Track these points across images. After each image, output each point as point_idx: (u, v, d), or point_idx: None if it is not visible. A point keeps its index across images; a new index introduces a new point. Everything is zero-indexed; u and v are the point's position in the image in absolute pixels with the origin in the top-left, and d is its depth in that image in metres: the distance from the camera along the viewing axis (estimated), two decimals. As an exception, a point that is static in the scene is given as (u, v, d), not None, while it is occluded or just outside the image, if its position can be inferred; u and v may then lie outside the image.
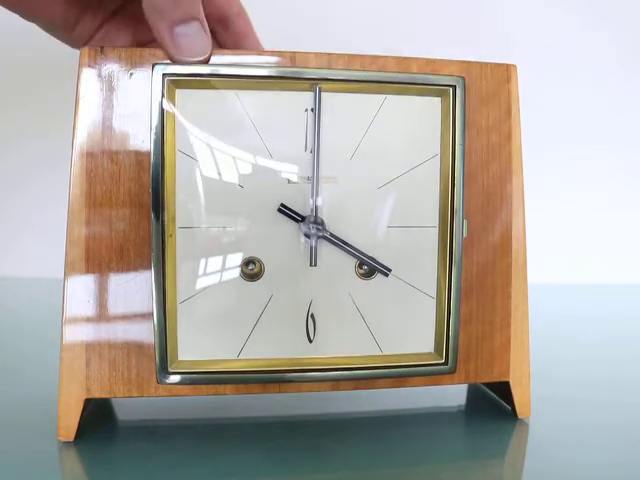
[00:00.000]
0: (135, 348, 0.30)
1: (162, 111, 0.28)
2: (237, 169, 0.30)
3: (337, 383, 0.31)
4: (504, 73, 0.32)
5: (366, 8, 0.72)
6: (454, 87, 0.31)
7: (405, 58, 0.31)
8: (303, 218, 0.30)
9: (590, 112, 0.76)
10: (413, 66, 0.31)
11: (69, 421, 0.29)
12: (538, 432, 0.32)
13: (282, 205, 0.30)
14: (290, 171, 0.30)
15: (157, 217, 0.28)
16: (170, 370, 0.29)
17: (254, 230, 0.30)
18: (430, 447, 0.31)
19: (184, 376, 0.29)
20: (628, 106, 0.77)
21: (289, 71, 0.29)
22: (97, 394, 0.30)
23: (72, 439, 0.30)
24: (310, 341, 0.31)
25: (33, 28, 0.34)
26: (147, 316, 0.30)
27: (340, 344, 0.31)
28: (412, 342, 0.32)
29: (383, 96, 0.31)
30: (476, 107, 0.32)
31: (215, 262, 0.30)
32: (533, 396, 0.34)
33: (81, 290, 0.29)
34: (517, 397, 0.33)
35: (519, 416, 0.34)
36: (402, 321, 0.32)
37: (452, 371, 0.32)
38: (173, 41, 0.28)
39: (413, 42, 0.65)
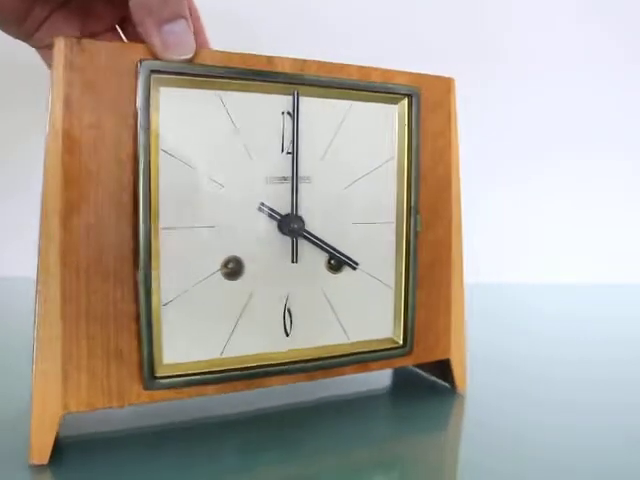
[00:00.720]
0: (115, 355, 0.28)
1: (148, 109, 0.27)
2: (218, 169, 0.30)
3: (313, 374, 0.33)
4: (447, 84, 0.36)
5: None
6: (410, 96, 0.34)
7: (365, 67, 0.34)
8: (283, 217, 0.31)
9: (590, 112, 0.76)
10: (372, 75, 0.34)
11: (43, 441, 0.27)
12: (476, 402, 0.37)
13: (262, 204, 0.31)
14: (268, 171, 0.31)
15: (144, 218, 0.27)
16: (157, 375, 0.28)
17: (234, 229, 0.30)
18: (374, 424, 0.34)
19: (171, 380, 0.29)
20: (629, 105, 0.77)
21: (268, 73, 0.30)
22: (75, 408, 0.28)
23: (46, 462, 0.27)
24: (287, 335, 0.32)
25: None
26: (127, 321, 0.28)
27: (313, 336, 0.33)
28: (374, 328, 0.35)
29: (349, 102, 0.33)
30: (425, 114, 0.35)
31: (197, 262, 0.30)
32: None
33: (56, 296, 0.27)
34: (457, 372, 0.38)
35: (458, 390, 0.38)
36: (365, 310, 0.34)
37: (410, 353, 0.35)
38: (161, 38, 0.27)
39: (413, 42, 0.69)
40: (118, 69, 0.27)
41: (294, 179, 0.31)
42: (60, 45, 0.26)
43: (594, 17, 0.75)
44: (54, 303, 0.27)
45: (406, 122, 0.34)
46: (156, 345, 0.28)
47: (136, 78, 0.27)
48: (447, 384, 0.39)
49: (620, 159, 0.77)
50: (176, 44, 0.28)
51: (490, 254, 0.73)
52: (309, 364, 0.32)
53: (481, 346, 0.44)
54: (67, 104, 0.27)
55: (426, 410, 0.35)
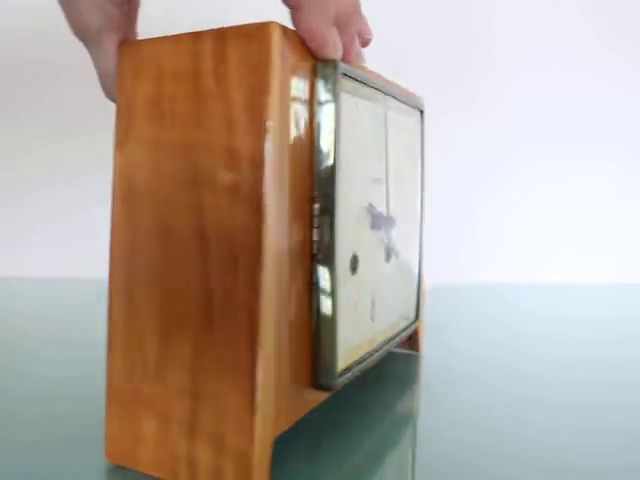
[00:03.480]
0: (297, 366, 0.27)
1: (338, 114, 0.27)
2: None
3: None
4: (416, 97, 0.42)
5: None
6: (422, 112, 0.41)
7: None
8: (384, 217, 0.34)
9: (582, 111, 0.77)
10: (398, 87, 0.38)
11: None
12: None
13: (370, 204, 0.33)
14: (373, 173, 0.33)
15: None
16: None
17: (354, 227, 0.32)
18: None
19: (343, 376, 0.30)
20: (618, 104, 0.77)
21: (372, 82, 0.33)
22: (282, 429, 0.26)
23: None
24: (372, 321, 0.35)
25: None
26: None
27: (385, 320, 0.37)
28: (407, 309, 0.41)
29: (391, 112, 0.37)
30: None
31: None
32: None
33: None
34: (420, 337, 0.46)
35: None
36: (401, 293, 0.40)
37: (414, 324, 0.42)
38: (326, 38, 0.27)
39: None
40: (304, 66, 0.26)
41: (387, 181, 0.34)
42: (275, 33, 0.24)
43: (595, 15, 0.76)
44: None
45: (419, 135, 0.41)
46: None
47: (326, 80, 0.27)
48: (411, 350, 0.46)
49: (611, 158, 0.77)
50: (338, 45, 0.27)
51: (480, 254, 0.76)
52: (388, 344, 0.36)
53: (475, 345, 0.49)
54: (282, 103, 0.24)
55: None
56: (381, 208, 0.34)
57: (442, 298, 0.65)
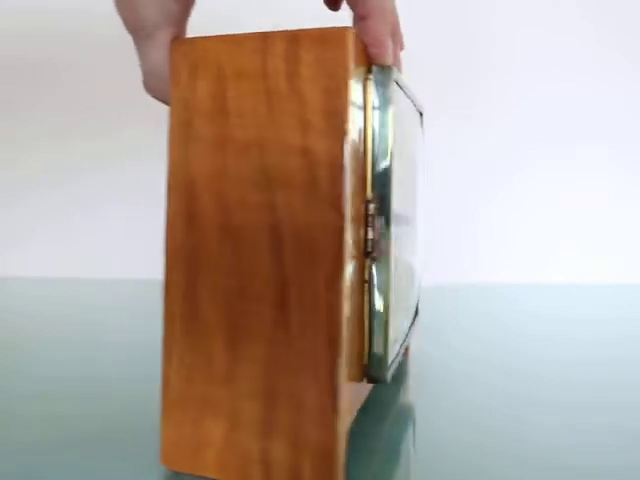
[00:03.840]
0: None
1: (394, 118, 0.28)
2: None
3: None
4: (418, 100, 0.45)
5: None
6: (422, 113, 0.43)
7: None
8: (402, 216, 0.36)
9: (591, 110, 0.76)
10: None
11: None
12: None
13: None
14: (401, 173, 0.35)
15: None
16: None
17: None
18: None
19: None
20: (629, 103, 0.77)
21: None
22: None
23: None
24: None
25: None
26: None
27: (409, 312, 0.38)
28: (412, 310, 0.42)
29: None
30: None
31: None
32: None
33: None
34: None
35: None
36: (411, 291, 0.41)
37: None
38: (388, 45, 0.28)
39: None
40: (362, 71, 0.27)
41: (406, 181, 0.36)
42: (351, 38, 0.24)
43: (582, 13, 0.76)
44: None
45: (421, 136, 0.43)
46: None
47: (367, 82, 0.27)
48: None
49: (611, 158, 0.77)
50: (392, 53, 0.29)
51: (480, 254, 0.76)
52: (406, 339, 0.38)
53: (475, 345, 0.49)
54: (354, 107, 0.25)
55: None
56: (399, 207, 0.36)
57: (442, 298, 0.67)
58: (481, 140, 0.77)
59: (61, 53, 0.71)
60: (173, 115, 0.26)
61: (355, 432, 0.32)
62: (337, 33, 0.24)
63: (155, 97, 0.29)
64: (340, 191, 0.24)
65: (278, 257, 0.25)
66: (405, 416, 0.35)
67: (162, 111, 0.68)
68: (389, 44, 0.28)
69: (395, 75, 0.29)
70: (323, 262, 0.24)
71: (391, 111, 0.28)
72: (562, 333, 0.54)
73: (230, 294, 0.25)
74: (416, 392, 0.39)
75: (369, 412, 0.35)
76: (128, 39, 0.28)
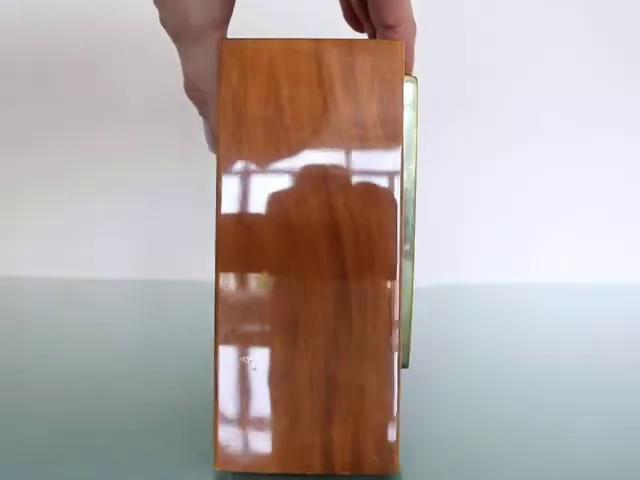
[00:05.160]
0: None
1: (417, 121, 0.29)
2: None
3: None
4: None
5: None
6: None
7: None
8: None
9: (590, 110, 0.75)
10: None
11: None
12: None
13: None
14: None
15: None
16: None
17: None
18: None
19: None
20: (629, 102, 0.76)
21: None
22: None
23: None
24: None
25: None
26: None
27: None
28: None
29: None
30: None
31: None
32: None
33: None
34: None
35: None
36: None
37: None
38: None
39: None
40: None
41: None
42: (402, 51, 0.27)
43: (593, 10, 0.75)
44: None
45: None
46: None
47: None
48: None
49: (611, 157, 0.76)
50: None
51: (481, 254, 0.75)
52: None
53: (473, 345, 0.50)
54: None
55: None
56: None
57: (443, 298, 0.68)
58: (480, 139, 0.76)
59: (60, 51, 0.70)
60: (222, 115, 0.26)
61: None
62: (392, 44, 0.27)
63: (194, 100, 0.29)
64: (397, 191, 0.26)
65: (337, 254, 0.26)
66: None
67: (163, 110, 0.70)
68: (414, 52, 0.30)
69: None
70: (382, 258, 0.26)
71: (416, 116, 0.29)
72: (562, 333, 0.54)
73: (290, 292, 0.26)
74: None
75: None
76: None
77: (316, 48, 0.26)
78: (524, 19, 0.75)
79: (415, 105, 0.29)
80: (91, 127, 0.73)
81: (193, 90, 0.29)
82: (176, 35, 0.28)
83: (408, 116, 0.29)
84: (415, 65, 0.31)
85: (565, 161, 0.76)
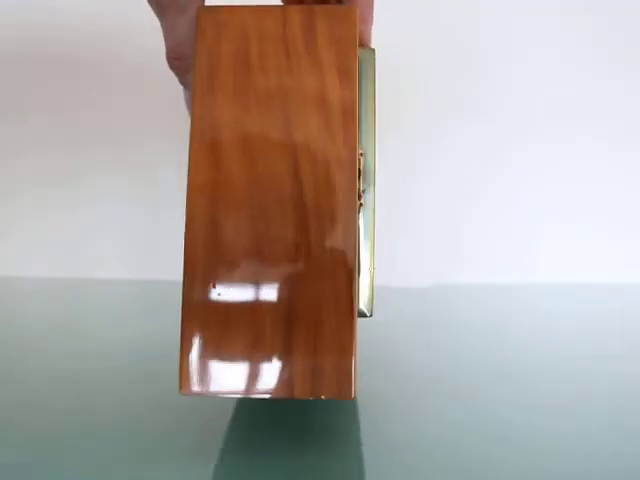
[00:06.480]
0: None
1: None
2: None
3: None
4: None
5: None
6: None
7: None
8: None
9: (590, 110, 0.75)
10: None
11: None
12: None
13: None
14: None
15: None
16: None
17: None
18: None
19: None
20: (630, 103, 0.76)
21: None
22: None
23: None
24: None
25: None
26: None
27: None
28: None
29: None
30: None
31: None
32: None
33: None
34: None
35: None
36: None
37: None
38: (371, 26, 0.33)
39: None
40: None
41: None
42: (356, 14, 0.30)
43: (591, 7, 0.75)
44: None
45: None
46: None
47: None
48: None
49: (611, 157, 0.76)
50: None
51: (481, 254, 0.75)
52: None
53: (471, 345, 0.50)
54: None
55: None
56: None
57: (443, 298, 0.68)
58: (480, 137, 0.75)
59: (62, 52, 0.71)
60: (197, 69, 0.29)
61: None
62: (347, 9, 0.30)
63: (175, 70, 0.31)
64: (353, 133, 0.28)
65: (299, 190, 0.28)
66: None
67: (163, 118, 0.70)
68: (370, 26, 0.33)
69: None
70: (339, 193, 0.28)
71: (373, 87, 0.33)
72: (562, 333, 0.54)
73: (253, 222, 0.28)
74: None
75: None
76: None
77: (282, 12, 0.30)
78: (524, 19, 0.76)
79: (373, 75, 0.33)
80: (92, 127, 0.74)
81: (176, 58, 0.31)
82: (162, 8, 0.30)
83: (367, 83, 0.32)
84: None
85: (565, 161, 0.76)
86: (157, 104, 0.71)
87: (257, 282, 0.27)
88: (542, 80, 0.75)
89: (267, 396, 0.27)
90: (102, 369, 0.42)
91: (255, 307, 0.27)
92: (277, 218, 0.28)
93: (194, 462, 0.29)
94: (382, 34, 0.35)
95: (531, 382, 0.41)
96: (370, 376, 0.39)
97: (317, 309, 0.27)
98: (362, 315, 0.32)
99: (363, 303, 0.32)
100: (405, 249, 0.73)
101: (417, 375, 0.43)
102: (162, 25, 0.31)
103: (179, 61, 0.31)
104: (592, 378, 0.42)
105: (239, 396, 0.27)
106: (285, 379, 0.27)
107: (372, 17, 0.33)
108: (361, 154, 0.31)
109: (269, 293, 0.27)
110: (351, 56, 0.29)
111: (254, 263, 0.27)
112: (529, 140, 0.76)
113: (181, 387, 0.27)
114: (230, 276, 0.27)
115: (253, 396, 0.27)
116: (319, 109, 0.28)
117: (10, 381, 0.40)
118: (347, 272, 0.27)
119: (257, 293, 0.27)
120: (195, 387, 0.27)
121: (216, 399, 0.31)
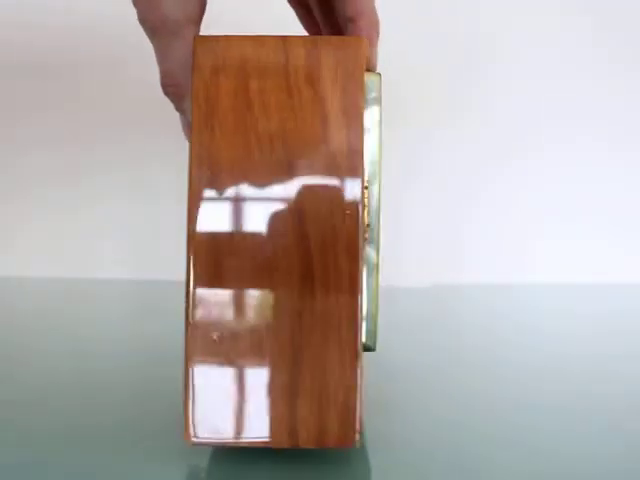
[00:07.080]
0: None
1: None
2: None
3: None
4: None
5: None
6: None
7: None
8: None
9: (589, 110, 0.76)
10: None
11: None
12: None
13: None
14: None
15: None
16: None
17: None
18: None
19: None
20: (630, 96, 0.77)
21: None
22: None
23: None
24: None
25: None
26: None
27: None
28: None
29: None
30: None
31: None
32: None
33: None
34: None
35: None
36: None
37: None
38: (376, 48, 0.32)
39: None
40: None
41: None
42: (364, 45, 0.28)
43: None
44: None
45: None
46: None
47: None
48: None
49: (611, 157, 0.76)
50: None
51: (481, 254, 0.75)
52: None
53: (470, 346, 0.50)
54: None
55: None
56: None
57: (442, 298, 0.68)
58: (479, 137, 0.76)
59: (62, 53, 0.71)
60: (195, 107, 0.28)
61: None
62: (353, 40, 0.29)
63: (170, 96, 0.30)
64: (358, 176, 0.27)
65: (303, 234, 0.27)
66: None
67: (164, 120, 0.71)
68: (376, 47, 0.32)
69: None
70: (344, 238, 0.27)
71: (379, 110, 0.31)
72: (561, 332, 0.54)
73: (256, 271, 0.27)
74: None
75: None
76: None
77: (283, 43, 0.28)
78: (524, 19, 0.76)
79: (379, 100, 0.31)
80: (92, 127, 0.74)
81: (171, 85, 0.30)
82: (154, 31, 0.29)
83: (372, 110, 0.30)
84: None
85: (565, 161, 0.76)
86: (157, 104, 0.71)
87: (261, 328, 0.27)
88: (542, 80, 0.75)
89: (272, 446, 0.27)
90: (102, 369, 0.42)
91: (259, 354, 0.27)
92: (281, 266, 0.27)
93: (194, 462, 0.29)
94: (382, 34, 0.34)
95: (531, 382, 0.41)
96: (370, 376, 0.39)
97: (322, 363, 0.27)
98: (368, 349, 0.31)
99: (369, 337, 0.31)
100: (405, 249, 0.73)
101: (417, 375, 0.43)
102: (154, 47, 0.30)
103: (174, 88, 0.30)
104: (592, 378, 0.42)
105: (243, 446, 0.27)
106: (290, 430, 0.26)
107: (378, 36, 0.32)
108: (366, 187, 0.30)
109: (274, 338, 0.27)
110: (358, 93, 0.27)
111: (258, 310, 0.27)
112: (529, 140, 0.76)
113: (185, 437, 0.27)
114: (232, 321, 0.27)
115: (258, 446, 0.27)
116: (323, 152, 0.27)
117: (10, 381, 0.39)
118: (352, 321, 0.26)
119: (261, 339, 0.27)
120: (199, 437, 0.27)
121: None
